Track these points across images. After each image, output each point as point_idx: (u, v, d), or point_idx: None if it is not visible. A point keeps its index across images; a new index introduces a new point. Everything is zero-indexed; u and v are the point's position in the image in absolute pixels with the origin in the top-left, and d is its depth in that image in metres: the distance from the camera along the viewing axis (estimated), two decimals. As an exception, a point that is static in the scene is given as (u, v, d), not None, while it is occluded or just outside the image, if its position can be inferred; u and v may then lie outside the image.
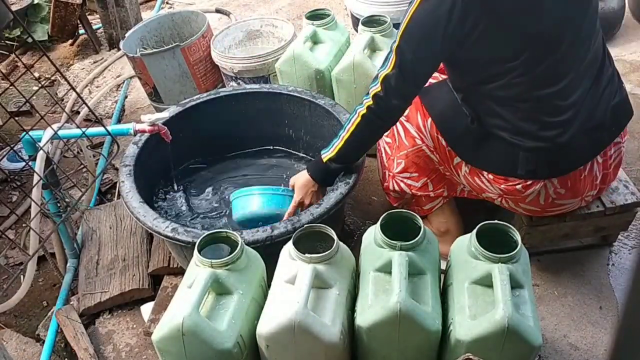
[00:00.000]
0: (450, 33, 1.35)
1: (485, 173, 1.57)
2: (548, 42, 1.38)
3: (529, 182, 1.52)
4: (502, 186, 1.55)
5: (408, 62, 1.43)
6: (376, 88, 1.49)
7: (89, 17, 3.63)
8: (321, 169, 1.66)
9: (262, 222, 1.72)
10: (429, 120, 1.67)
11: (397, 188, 1.81)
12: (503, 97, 1.46)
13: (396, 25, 2.31)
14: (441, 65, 1.54)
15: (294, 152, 2.26)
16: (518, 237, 1.32)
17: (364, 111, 1.53)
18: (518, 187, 1.53)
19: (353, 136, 1.58)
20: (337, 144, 1.61)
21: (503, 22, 1.35)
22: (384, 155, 1.83)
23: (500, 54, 1.40)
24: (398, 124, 1.76)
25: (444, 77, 1.69)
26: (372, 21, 2.19)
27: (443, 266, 1.47)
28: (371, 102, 1.51)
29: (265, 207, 1.77)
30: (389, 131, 1.82)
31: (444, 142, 1.65)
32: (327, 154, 1.63)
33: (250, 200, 1.80)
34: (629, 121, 1.60)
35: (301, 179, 1.70)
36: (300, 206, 1.70)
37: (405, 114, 1.73)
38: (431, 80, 1.57)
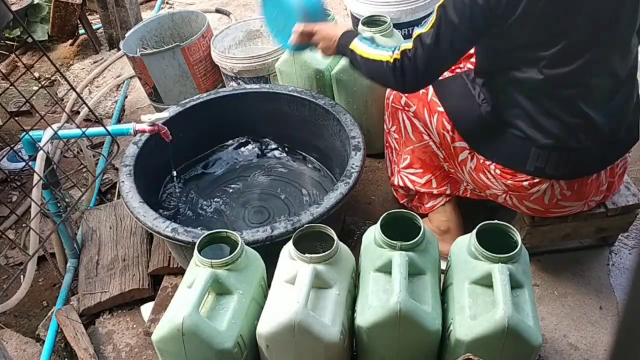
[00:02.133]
0: (499, 6, 1.29)
1: (491, 168, 1.57)
2: (586, 39, 1.35)
3: (536, 180, 1.51)
4: (509, 182, 1.55)
5: (449, 24, 1.34)
6: (407, 45, 1.41)
7: (89, 17, 3.63)
8: (345, 43, 1.57)
9: (282, 11, 1.65)
10: (436, 116, 1.66)
11: (401, 184, 1.82)
12: (528, 88, 1.43)
13: (396, 26, 2.32)
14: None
15: (294, 152, 2.26)
16: (518, 237, 1.32)
17: (389, 59, 1.44)
18: (524, 183, 1.53)
19: (369, 64, 1.50)
20: (362, 50, 1.52)
21: (553, 5, 1.30)
22: (393, 150, 1.83)
23: (538, 38, 1.35)
24: (406, 119, 1.77)
25: (459, 70, 1.68)
26: (372, 21, 2.19)
27: (443, 266, 1.47)
28: (398, 56, 1.43)
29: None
30: (396, 127, 1.82)
31: (449, 139, 1.65)
32: (354, 45, 1.54)
33: None
34: (634, 144, 1.58)
35: (335, 27, 1.63)
36: (310, 36, 1.63)
37: (413, 109, 1.73)
38: (448, 73, 1.53)
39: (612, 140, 1.51)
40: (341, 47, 1.59)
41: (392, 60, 1.44)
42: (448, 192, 1.80)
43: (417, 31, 1.40)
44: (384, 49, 1.49)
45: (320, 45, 1.65)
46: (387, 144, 1.89)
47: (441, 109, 1.66)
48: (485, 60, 1.53)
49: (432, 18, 1.37)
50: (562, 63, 1.37)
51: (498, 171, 1.55)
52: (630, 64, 1.46)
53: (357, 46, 1.54)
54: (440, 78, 1.51)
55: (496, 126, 1.53)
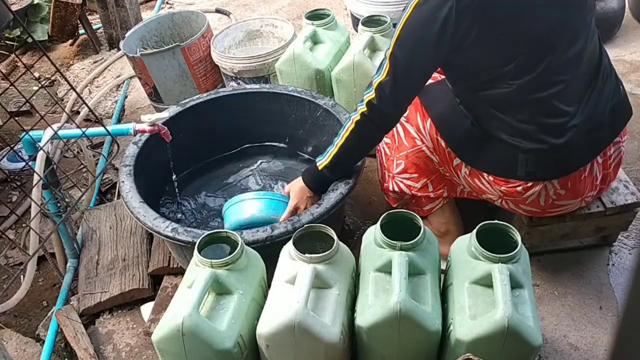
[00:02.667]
0: (444, 39, 1.35)
1: (485, 175, 1.57)
2: (543, 45, 1.38)
3: (529, 184, 1.51)
4: (503, 188, 1.55)
5: (402, 69, 1.42)
6: (370, 95, 1.48)
7: (89, 17, 3.63)
8: (316, 177, 1.66)
9: (256, 226, 1.69)
10: (429, 121, 1.66)
11: (396, 189, 1.81)
12: (500, 101, 1.46)
13: (396, 25, 2.32)
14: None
15: (294, 152, 2.26)
16: (518, 237, 1.32)
17: (358, 117, 1.53)
18: (518, 188, 1.53)
19: (347, 142, 1.57)
20: (332, 151, 1.61)
21: (496, 28, 1.35)
22: (383, 156, 1.83)
23: (495, 59, 1.40)
24: (398, 124, 1.76)
25: (444, 76, 1.69)
26: (372, 21, 2.19)
27: (443, 266, 1.47)
28: (365, 109, 1.50)
29: (262, 211, 1.74)
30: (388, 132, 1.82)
31: (443, 144, 1.65)
32: (322, 162, 1.63)
33: (245, 206, 1.77)
34: (628, 120, 1.60)
35: (296, 186, 1.70)
36: (295, 212, 1.69)
37: (405, 114, 1.73)
38: (431, 80, 1.57)
39: (598, 127, 1.51)
40: (316, 185, 1.67)
41: (360, 117, 1.52)
42: (445, 194, 1.80)
43: (375, 80, 1.47)
44: (345, 124, 1.58)
45: (307, 205, 1.67)
46: (378, 149, 1.88)
47: None
48: (454, 84, 1.57)
49: (386, 65, 1.44)
50: (527, 71, 1.39)
51: (491, 178, 1.56)
52: (597, 47, 1.49)
53: (325, 157, 1.62)
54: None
55: (481, 136, 1.55)
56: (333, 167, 1.63)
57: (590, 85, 1.48)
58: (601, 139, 1.55)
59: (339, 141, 1.59)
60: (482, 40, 1.35)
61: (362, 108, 1.51)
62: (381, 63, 1.46)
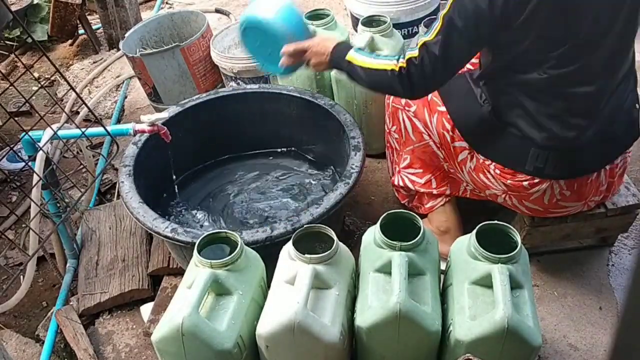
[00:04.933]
0: (505, 9, 1.29)
1: (491, 168, 1.57)
2: (590, 39, 1.35)
3: (535, 180, 1.51)
4: (508, 182, 1.55)
5: (454, 32, 1.34)
6: (413, 53, 1.40)
7: (89, 17, 3.63)
8: (340, 56, 1.56)
9: (266, 39, 1.63)
10: (436, 115, 1.66)
11: (402, 183, 1.82)
12: (531, 89, 1.43)
13: (396, 26, 2.32)
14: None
15: (294, 152, 2.26)
16: (518, 238, 1.32)
17: (394, 67, 1.43)
18: (524, 183, 1.53)
19: (372, 73, 1.48)
20: (361, 61, 1.51)
21: (558, 7, 1.30)
22: (393, 151, 1.83)
23: (543, 41, 1.35)
24: (406, 119, 1.77)
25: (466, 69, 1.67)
26: (371, 21, 2.19)
27: (443, 266, 1.47)
28: (404, 64, 1.41)
29: (284, 19, 1.62)
30: (397, 127, 1.82)
31: (449, 138, 1.65)
32: (352, 56, 1.53)
33: (272, 3, 1.64)
34: (634, 141, 1.59)
35: (324, 40, 1.62)
36: (301, 54, 1.62)
37: (413, 109, 1.73)
38: None
39: (611, 138, 1.51)
40: (335, 60, 1.58)
41: (397, 69, 1.43)
42: (448, 192, 1.80)
43: (422, 39, 1.39)
44: (385, 58, 1.48)
45: (312, 61, 1.63)
46: (388, 144, 1.90)
47: (441, 108, 1.66)
48: (489, 62, 1.52)
49: (437, 25, 1.36)
50: (566, 63, 1.37)
51: (498, 171, 1.56)
52: (630, 60, 1.48)
53: (355, 57, 1.53)
54: None
55: (496, 126, 1.53)
56: (352, 69, 1.54)
57: (614, 95, 1.47)
58: (613, 151, 1.55)
59: (370, 63, 1.49)
60: (540, 17, 1.30)
61: (402, 62, 1.42)
62: (432, 25, 1.38)
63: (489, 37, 1.38)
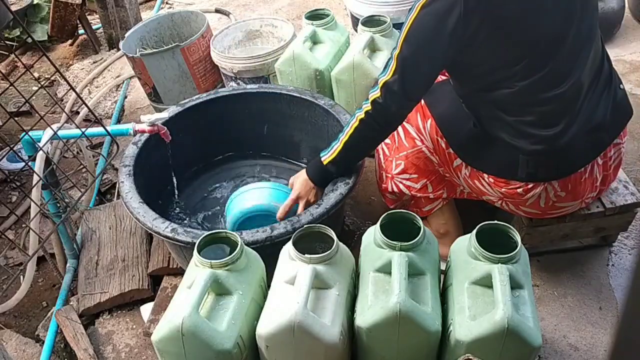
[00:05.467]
0: (452, 39, 1.34)
1: (485, 176, 1.57)
2: (550, 45, 1.38)
3: (529, 186, 1.52)
4: (503, 189, 1.55)
5: (409, 68, 1.42)
6: (375, 94, 1.48)
7: (89, 17, 3.63)
8: (320, 171, 1.66)
9: (260, 220, 1.71)
10: (429, 121, 1.66)
11: (395, 189, 1.81)
12: (504, 102, 1.46)
13: (396, 25, 2.32)
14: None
15: (294, 152, 2.26)
16: (518, 238, 1.32)
17: (363, 116, 1.52)
18: (519, 190, 1.53)
19: (351, 140, 1.57)
20: (336, 147, 1.61)
21: (505, 28, 1.35)
22: (381, 156, 1.83)
23: (503, 59, 1.39)
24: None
25: (447, 77, 1.69)
26: (371, 21, 2.19)
27: (443, 267, 1.47)
28: (370, 108, 1.50)
29: (266, 199, 1.74)
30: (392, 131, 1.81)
31: (443, 144, 1.65)
32: (326, 157, 1.63)
33: (249, 196, 1.76)
34: (628, 121, 1.60)
35: (300, 178, 1.70)
36: (298, 201, 1.68)
37: None
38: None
39: (598, 128, 1.51)
40: (320, 179, 1.66)
41: (364, 116, 1.51)
42: (444, 195, 1.80)
43: (381, 79, 1.46)
44: (350, 120, 1.57)
45: (310, 201, 1.67)
46: (377, 150, 1.87)
47: None
48: (459, 84, 1.57)
49: (392, 65, 1.43)
50: (533, 72, 1.39)
51: (492, 179, 1.56)
52: (600, 47, 1.49)
53: (329, 152, 1.62)
54: None
55: (483, 138, 1.55)
56: (336, 163, 1.63)
57: (591, 86, 1.48)
58: (602, 140, 1.55)
59: (343, 137, 1.59)
60: (491, 40, 1.35)
61: (367, 107, 1.51)
62: (387, 62, 1.45)
63: (443, 61, 1.44)
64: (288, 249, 1.36)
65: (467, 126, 1.57)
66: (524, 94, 1.42)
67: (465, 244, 1.36)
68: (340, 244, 1.38)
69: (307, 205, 1.67)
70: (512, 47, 1.38)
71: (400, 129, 1.73)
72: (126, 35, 2.68)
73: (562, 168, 1.51)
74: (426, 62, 1.43)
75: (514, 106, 1.46)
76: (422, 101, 1.68)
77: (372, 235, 1.38)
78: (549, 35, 1.37)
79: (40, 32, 3.53)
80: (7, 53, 3.49)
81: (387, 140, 1.79)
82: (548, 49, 1.38)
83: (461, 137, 1.60)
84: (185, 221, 2.02)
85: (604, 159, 1.57)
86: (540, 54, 1.38)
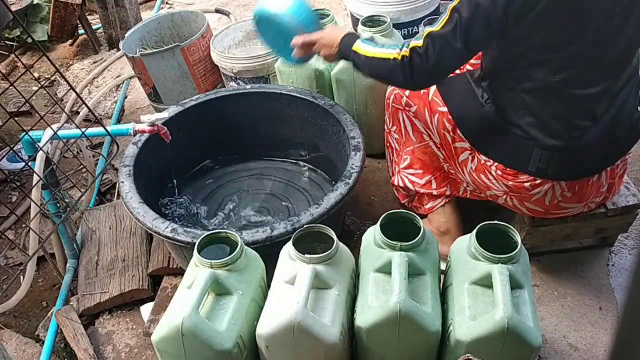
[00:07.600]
0: (513, 6, 1.28)
1: (492, 169, 1.56)
2: (601, 38, 1.34)
3: (537, 181, 1.51)
4: (510, 182, 1.55)
5: (461, 25, 1.32)
6: (417, 42, 1.39)
7: (89, 17, 3.63)
8: (347, 46, 1.57)
9: (277, 31, 1.67)
10: (436, 116, 1.66)
11: (402, 184, 1.82)
12: (536, 88, 1.42)
13: (396, 26, 2.32)
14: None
15: (294, 152, 2.26)
16: (518, 238, 1.32)
17: (395, 55, 1.42)
18: (526, 184, 1.52)
19: (375, 62, 1.48)
20: (365, 50, 1.52)
21: (562, 4, 1.29)
22: (393, 151, 1.83)
23: (552, 39, 1.34)
24: (406, 119, 1.76)
25: (457, 71, 1.68)
26: (372, 21, 2.19)
27: (443, 267, 1.47)
28: (407, 53, 1.40)
29: (294, 12, 1.66)
30: (397, 127, 1.82)
31: (449, 139, 1.64)
32: (357, 46, 1.54)
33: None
34: (636, 142, 1.59)
35: (335, 31, 1.64)
36: (311, 46, 1.64)
37: (413, 109, 1.73)
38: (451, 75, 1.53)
39: (614, 140, 1.51)
40: (342, 50, 1.59)
41: (400, 57, 1.42)
42: (448, 193, 1.80)
43: (427, 29, 1.39)
44: (389, 47, 1.48)
45: (322, 52, 1.64)
46: (388, 144, 1.90)
47: (442, 108, 1.66)
48: (493, 61, 1.51)
49: (445, 17, 1.35)
50: (574, 64, 1.37)
51: (499, 172, 1.55)
52: (635, 61, 1.47)
53: (360, 47, 1.54)
54: None
55: (499, 126, 1.53)
56: (357, 56, 1.54)
57: (620, 96, 1.47)
58: (615, 153, 1.55)
59: (373, 52, 1.49)
60: (548, 14, 1.29)
61: (405, 51, 1.40)
62: (439, 17, 1.37)
63: (496, 33, 1.36)
64: (288, 249, 1.36)
65: (483, 114, 1.54)
66: (559, 84, 1.38)
67: (465, 244, 1.36)
68: (340, 244, 1.38)
69: (316, 52, 1.64)
70: (565, 28, 1.32)
71: (408, 123, 1.73)
72: (126, 35, 2.68)
73: (573, 169, 1.51)
74: (479, 24, 1.33)
75: (545, 94, 1.42)
76: (431, 94, 1.66)
77: (372, 235, 1.38)
78: (604, 25, 1.33)
79: (40, 32, 3.53)
80: (7, 53, 3.49)
81: (397, 135, 1.79)
82: (598, 40, 1.34)
83: (475, 124, 1.58)
84: (185, 221, 2.02)
85: (611, 167, 1.58)
86: (589, 43, 1.34)
